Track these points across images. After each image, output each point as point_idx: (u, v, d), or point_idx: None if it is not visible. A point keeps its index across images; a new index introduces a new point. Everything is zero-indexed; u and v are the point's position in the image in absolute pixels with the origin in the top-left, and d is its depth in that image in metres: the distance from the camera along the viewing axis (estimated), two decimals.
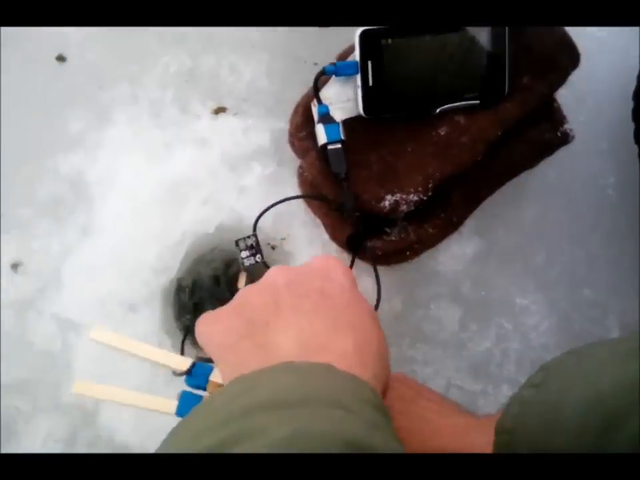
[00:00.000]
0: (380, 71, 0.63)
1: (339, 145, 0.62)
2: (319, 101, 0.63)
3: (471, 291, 0.71)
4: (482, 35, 0.64)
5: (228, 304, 0.45)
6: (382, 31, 0.62)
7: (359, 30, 0.61)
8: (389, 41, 0.63)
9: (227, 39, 0.73)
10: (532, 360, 0.70)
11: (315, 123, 0.64)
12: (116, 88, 0.71)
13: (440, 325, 0.70)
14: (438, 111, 0.64)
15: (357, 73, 0.62)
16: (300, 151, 0.66)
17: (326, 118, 0.63)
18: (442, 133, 0.65)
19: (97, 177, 0.69)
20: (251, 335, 0.41)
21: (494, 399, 0.69)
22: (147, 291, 0.66)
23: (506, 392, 0.69)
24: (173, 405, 0.49)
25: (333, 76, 0.63)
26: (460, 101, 0.64)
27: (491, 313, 0.71)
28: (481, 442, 0.42)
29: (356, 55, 0.62)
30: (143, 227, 0.66)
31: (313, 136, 0.65)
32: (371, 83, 0.62)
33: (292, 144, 0.67)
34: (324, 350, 0.39)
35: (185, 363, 0.50)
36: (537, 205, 0.74)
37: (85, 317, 0.65)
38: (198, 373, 0.49)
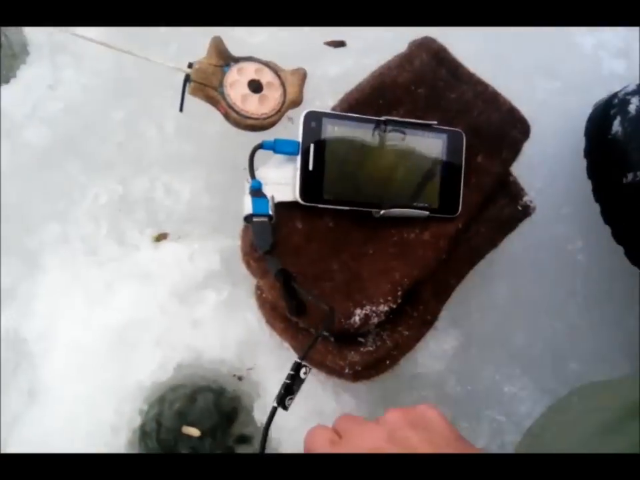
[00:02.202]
0: (322, 156, 0.59)
1: (266, 219, 0.58)
2: (253, 176, 0.59)
3: (456, 387, 0.67)
4: (437, 145, 0.63)
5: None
6: (329, 115, 0.60)
7: (305, 110, 0.59)
8: (335, 128, 0.60)
9: (157, 159, 0.68)
10: None
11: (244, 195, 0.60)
12: (43, 229, 0.65)
13: None
14: (382, 213, 0.61)
15: (296, 153, 0.59)
16: (258, 272, 0.61)
17: (257, 192, 0.59)
18: (401, 232, 0.62)
19: (36, 331, 0.63)
20: None
21: None
22: (109, 452, 0.60)
23: None
24: None
25: (273, 158, 0.61)
26: (407, 208, 0.61)
27: (480, 407, 0.68)
28: None
29: (298, 135, 0.59)
30: (94, 382, 0.60)
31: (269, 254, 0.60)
32: (311, 167, 0.59)
33: (247, 263, 0.62)
34: None
35: None
36: (508, 282, 0.71)
37: None
38: None
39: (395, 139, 0.62)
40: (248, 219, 0.59)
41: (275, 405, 0.48)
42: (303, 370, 0.50)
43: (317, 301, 0.55)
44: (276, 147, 0.59)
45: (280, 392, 0.49)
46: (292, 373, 0.49)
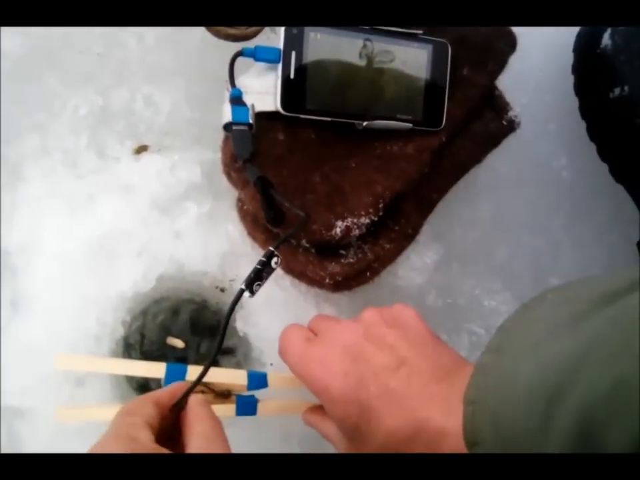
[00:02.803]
0: (304, 64, 0.58)
1: (246, 128, 0.57)
2: (233, 84, 0.58)
3: (437, 300, 0.68)
4: (422, 56, 0.61)
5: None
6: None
7: None
8: (318, 35, 0.58)
9: (137, 70, 0.66)
10: None
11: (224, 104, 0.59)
12: (24, 141, 0.64)
13: None
14: (365, 124, 0.60)
15: (278, 61, 0.58)
16: (239, 183, 0.60)
17: (237, 100, 0.58)
18: (385, 145, 0.62)
19: (17, 243, 0.62)
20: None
21: None
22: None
23: None
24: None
25: (254, 65, 0.59)
26: (390, 120, 0.60)
27: (460, 320, 0.68)
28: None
29: (280, 43, 0.57)
30: (77, 292, 0.60)
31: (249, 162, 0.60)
32: (292, 76, 0.58)
33: (228, 174, 0.62)
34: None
35: (159, 369, 0.53)
36: (491, 198, 0.71)
37: (28, 400, 0.59)
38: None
39: (379, 48, 0.60)
40: (227, 127, 0.58)
41: (243, 287, 0.48)
42: (275, 260, 0.50)
43: (293, 207, 0.55)
44: (256, 54, 0.58)
45: (249, 276, 0.48)
46: (264, 259, 0.49)
